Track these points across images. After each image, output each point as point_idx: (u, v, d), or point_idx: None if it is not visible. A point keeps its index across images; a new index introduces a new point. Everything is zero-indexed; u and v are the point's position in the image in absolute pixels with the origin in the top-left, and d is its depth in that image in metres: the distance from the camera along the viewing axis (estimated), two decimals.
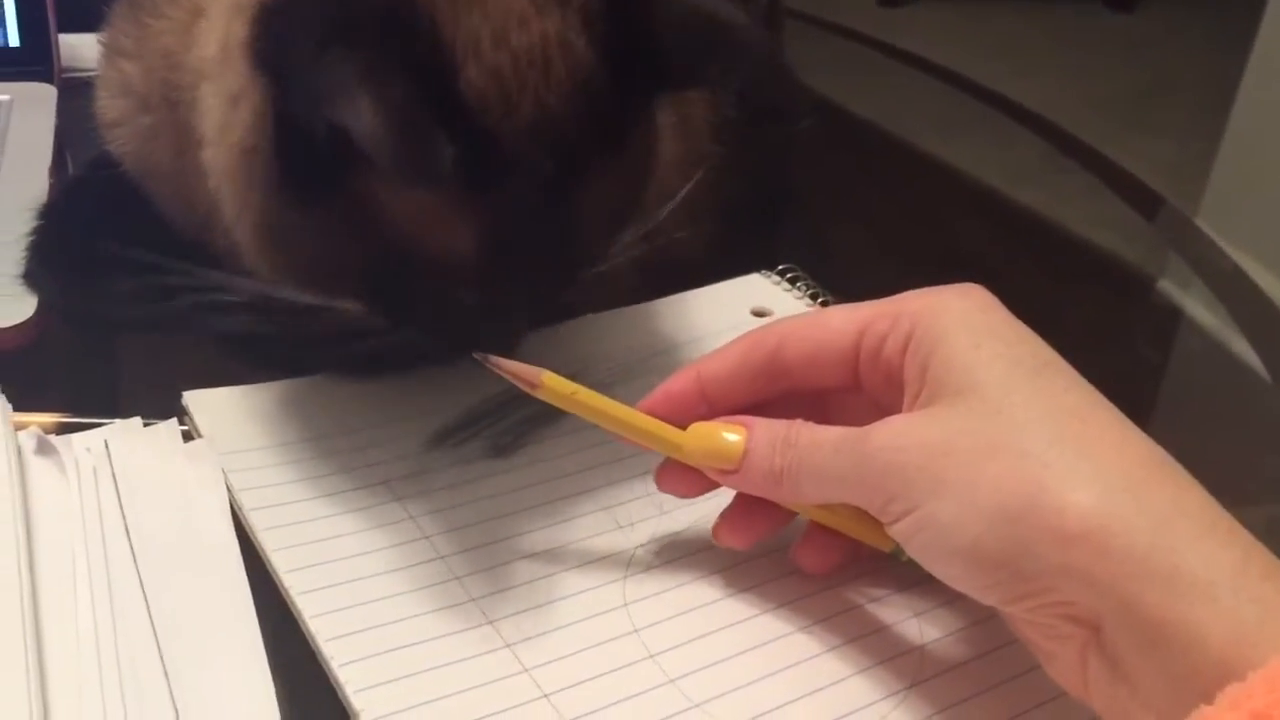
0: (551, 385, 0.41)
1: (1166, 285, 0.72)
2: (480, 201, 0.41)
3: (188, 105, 0.49)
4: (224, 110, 0.45)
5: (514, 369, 0.41)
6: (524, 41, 0.41)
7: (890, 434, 0.37)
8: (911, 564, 0.40)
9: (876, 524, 0.40)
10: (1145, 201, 0.77)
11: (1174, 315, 0.68)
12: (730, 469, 0.41)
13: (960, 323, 0.38)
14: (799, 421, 0.40)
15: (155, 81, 0.52)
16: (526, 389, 0.41)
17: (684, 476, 0.42)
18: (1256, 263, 0.69)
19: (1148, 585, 0.32)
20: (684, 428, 0.42)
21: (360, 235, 0.42)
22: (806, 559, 0.43)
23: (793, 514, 0.43)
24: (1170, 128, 2.24)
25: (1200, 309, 0.67)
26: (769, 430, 0.40)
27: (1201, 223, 0.77)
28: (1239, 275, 0.68)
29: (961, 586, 0.37)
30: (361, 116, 0.36)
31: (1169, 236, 0.76)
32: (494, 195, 0.41)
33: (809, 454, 0.39)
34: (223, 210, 0.47)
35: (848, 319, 0.41)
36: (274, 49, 0.40)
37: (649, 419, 0.42)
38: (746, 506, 0.43)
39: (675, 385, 0.43)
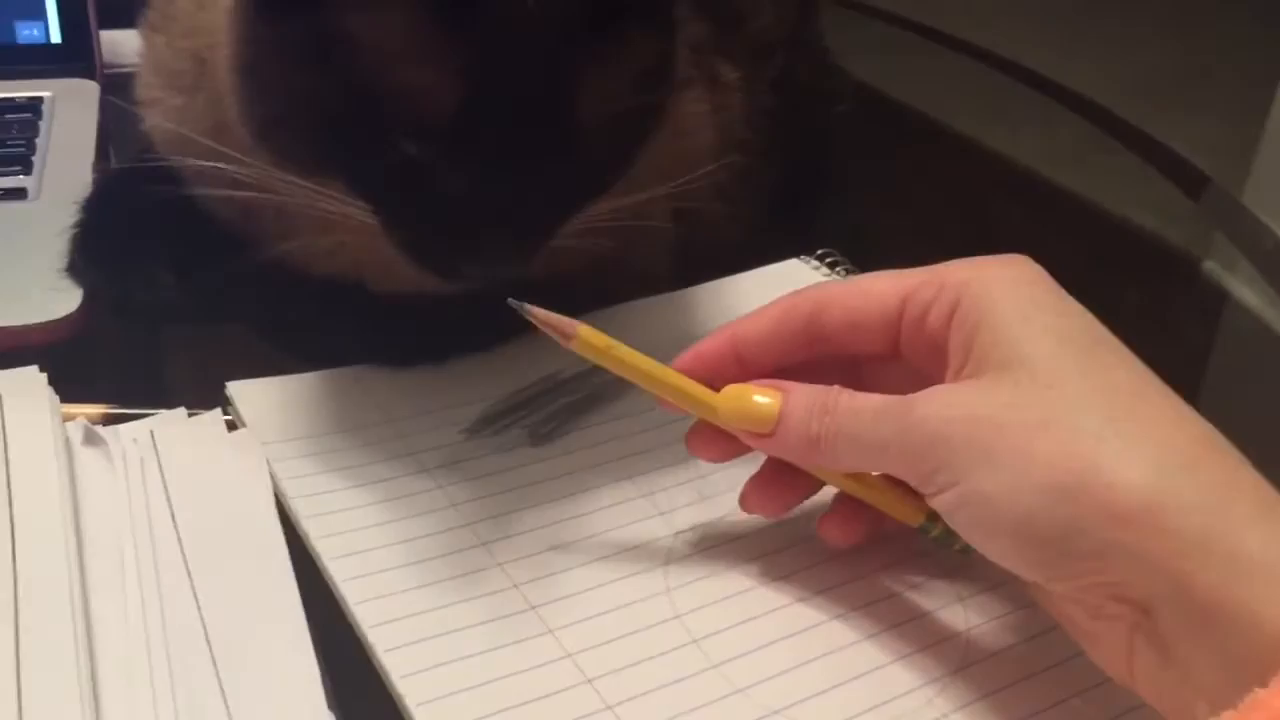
0: (586, 337, 0.40)
1: (1212, 266, 0.71)
2: (460, 38, 0.40)
3: (217, 68, 0.49)
4: (225, 8, 0.45)
5: (548, 319, 0.40)
6: None
7: (937, 403, 0.37)
8: (941, 539, 0.40)
9: (907, 497, 0.40)
10: (1190, 181, 0.76)
11: (1220, 297, 0.67)
12: (765, 432, 0.40)
13: (1009, 294, 0.38)
14: (837, 387, 0.39)
15: (180, 51, 0.52)
16: (560, 340, 0.40)
17: (715, 440, 0.42)
18: None
19: (1203, 565, 0.32)
20: (716, 389, 0.41)
21: (334, 67, 0.41)
22: (832, 531, 0.42)
23: (821, 483, 0.42)
24: (1217, 106, 2.20)
25: (1246, 290, 0.66)
26: (806, 395, 0.39)
27: (1248, 202, 0.76)
28: None
29: (1007, 563, 0.36)
30: None
31: (1215, 217, 0.75)
32: (477, 30, 0.40)
33: (848, 420, 0.38)
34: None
35: (891, 286, 0.40)
36: None
37: (683, 378, 0.41)
38: (775, 474, 0.42)
39: (708, 345, 0.42)
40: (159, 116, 0.55)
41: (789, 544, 0.44)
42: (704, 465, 0.47)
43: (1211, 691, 0.32)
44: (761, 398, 0.40)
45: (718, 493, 0.46)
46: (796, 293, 0.42)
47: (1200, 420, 0.35)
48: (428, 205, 0.43)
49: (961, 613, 0.42)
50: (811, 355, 0.42)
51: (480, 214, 0.43)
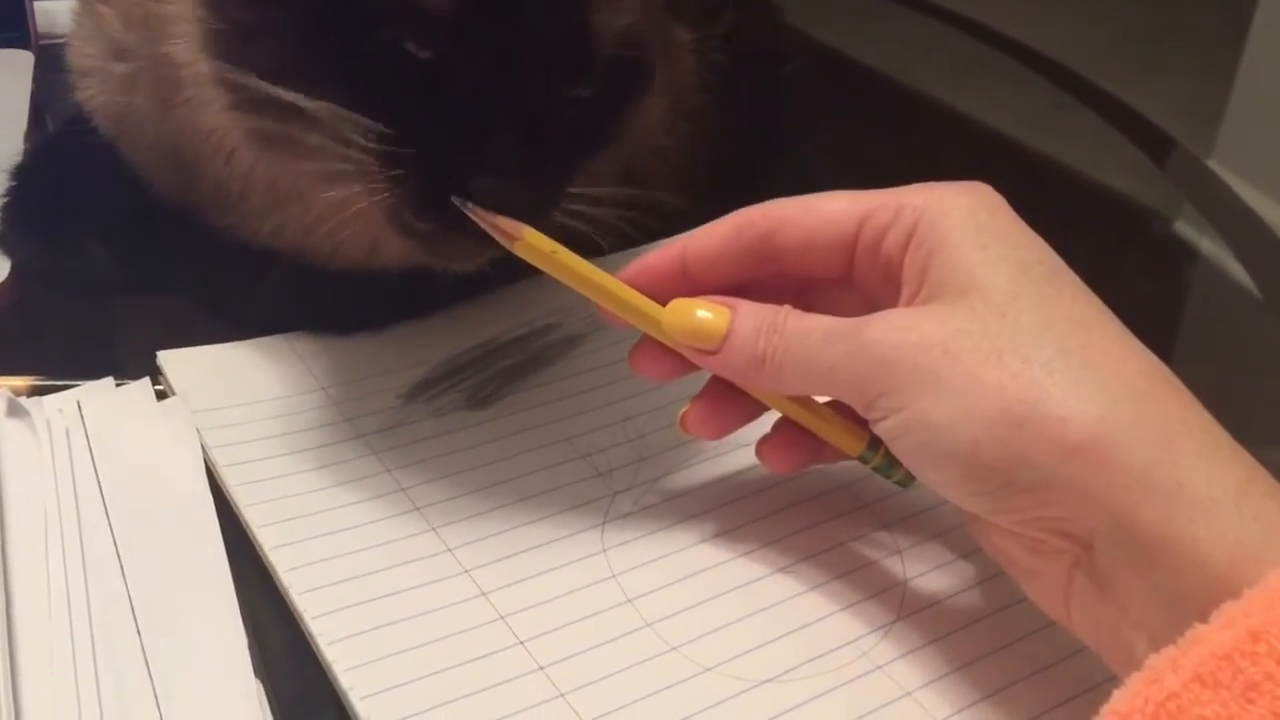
0: (532, 240, 0.39)
1: (1181, 227, 0.71)
2: None
3: (174, 54, 0.47)
4: None
5: (495, 220, 0.39)
6: None
7: (888, 327, 0.36)
8: (882, 469, 0.39)
9: (849, 425, 0.39)
10: (1156, 146, 0.75)
11: (1188, 256, 0.67)
12: (711, 349, 0.39)
13: (967, 222, 0.37)
14: (787, 307, 0.38)
15: (135, 24, 0.50)
16: (505, 241, 0.39)
17: (659, 357, 0.41)
18: (1273, 202, 0.67)
19: (1147, 500, 0.31)
20: (663, 304, 0.40)
21: None
22: (771, 455, 0.42)
23: (763, 408, 0.41)
24: (1184, 68, 2.20)
25: (1214, 249, 0.66)
26: (755, 313, 0.38)
27: (1216, 163, 0.75)
28: (1252, 219, 0.66)
29: (949, 493, 0.36)
30: None
31: (1181, 182, 0.75)
32: None
33: (797, 340, 0.37)
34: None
35: (848, 208, 0.39)
36: None
37: (629, 289, 0.40)
38: (718, 395, 0.41)
39: (656, 259, 0.40)
40: (96, 86, 0.54)
41: (727, 501, 0.43)
42: (642, 425, 0.46)
43: (1151, 627, 0.32)
44: (707, 313, 0.39)
45: (655, 453, 0.45)
46: (750, 209, 0.40)
47: (1152, 356, 0.35)
48: (433, 112, 0.40)
49: (900, 564, 0.41)
50: (762, 274, 0.40)
51: (490, 113, 0.40)
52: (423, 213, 0.41)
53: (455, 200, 0.39)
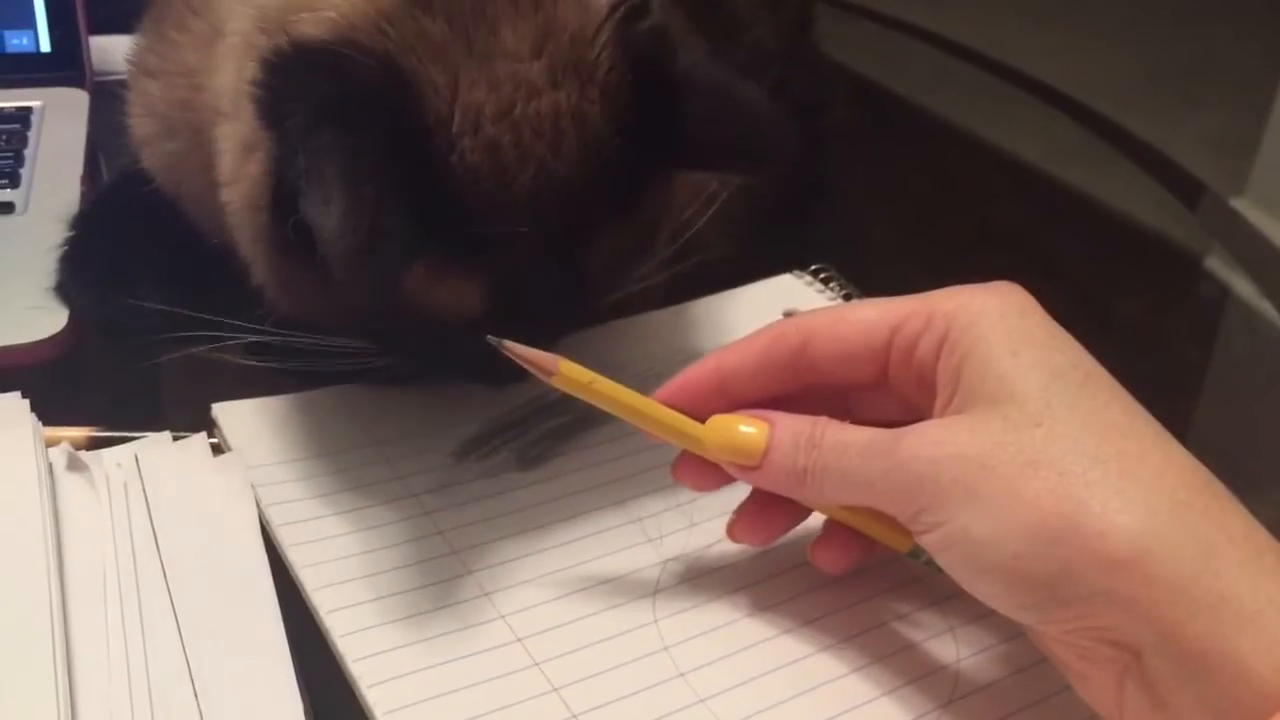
0: (568, 373, 0.40)
1: (1213, 264, 0.70)
2: (484, 263, 0.42)
3: (209, 135, 0.49)
4: (237, 156, 0.45)
5: (530, 355, 0.40)
6: (531, 113, 0.41)
7: (924, 442, 0.36)
8: (931, 565, 0.39)
9: (895, 524, 0.39)
10: (1186, 189, 0.75)
11: (1222, 295, 0.66)
12: (751, 465, 0.39)
13: (997, 326, 0.37)
14: (824, 419, 0.39)
15: (176, 102, 0.51)
16: (542, 376, 0.40)
17: (702, 469, 0.41)
18: None
19: (1191, 614, 0.31)
20: (701, 420, 0.41)
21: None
22: (823, 557, 0.42)
23: (809, 510, 0.42)
24: (1216, 104, 2.19)
25: (1248, 289, 0.65)
26: (793, 427, 0.39)
27: (1248, 200, 0.75)
28: None
29: (995, 604, 0.36)
30: (329, 215, 0.37)
31: (1211, 225, 0.74)
32: (498, 257, 0.42)
33: (835, 456, 0.38)
34: (240, 249, 0.47)
35: (880, 316, 0.39)
36: (274, 109, 0.41)
37: (668, 411, 0.41)
38: (763, 503, 0.42)
39: (693, 376, 0.41)
40: (155, 157, 0.55)
41: (778, 572, 0.43)
42: (692, 491, 0.46)
43: None
44: (747, 428, 0.40)
45: (707, 518, 0.45)
46: (782, 322, 0.41)
47: (1191, 460, 0.35)
48: (458, 351, 0.45)
49: (952, 644, 0.41)
50: (798, 385, 0.41)
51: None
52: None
53: (490, 340, 0.40)
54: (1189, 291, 0.68)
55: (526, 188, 0.41)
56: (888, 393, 0.40)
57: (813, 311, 0.41)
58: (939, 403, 0.38)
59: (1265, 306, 0.63)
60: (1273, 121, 1.80)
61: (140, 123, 0.55)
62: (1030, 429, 0.35)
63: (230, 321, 0.46)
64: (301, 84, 0.40)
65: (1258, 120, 1.81)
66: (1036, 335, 0.37)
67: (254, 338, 0.46)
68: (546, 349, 0.40)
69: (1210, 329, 0.66)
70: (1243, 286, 0.66)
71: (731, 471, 0.40)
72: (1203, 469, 0.34)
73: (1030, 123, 0.84)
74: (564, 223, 0.42)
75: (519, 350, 0.40)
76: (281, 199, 0.42)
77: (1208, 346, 0.64)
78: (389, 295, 0.40)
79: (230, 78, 0.46)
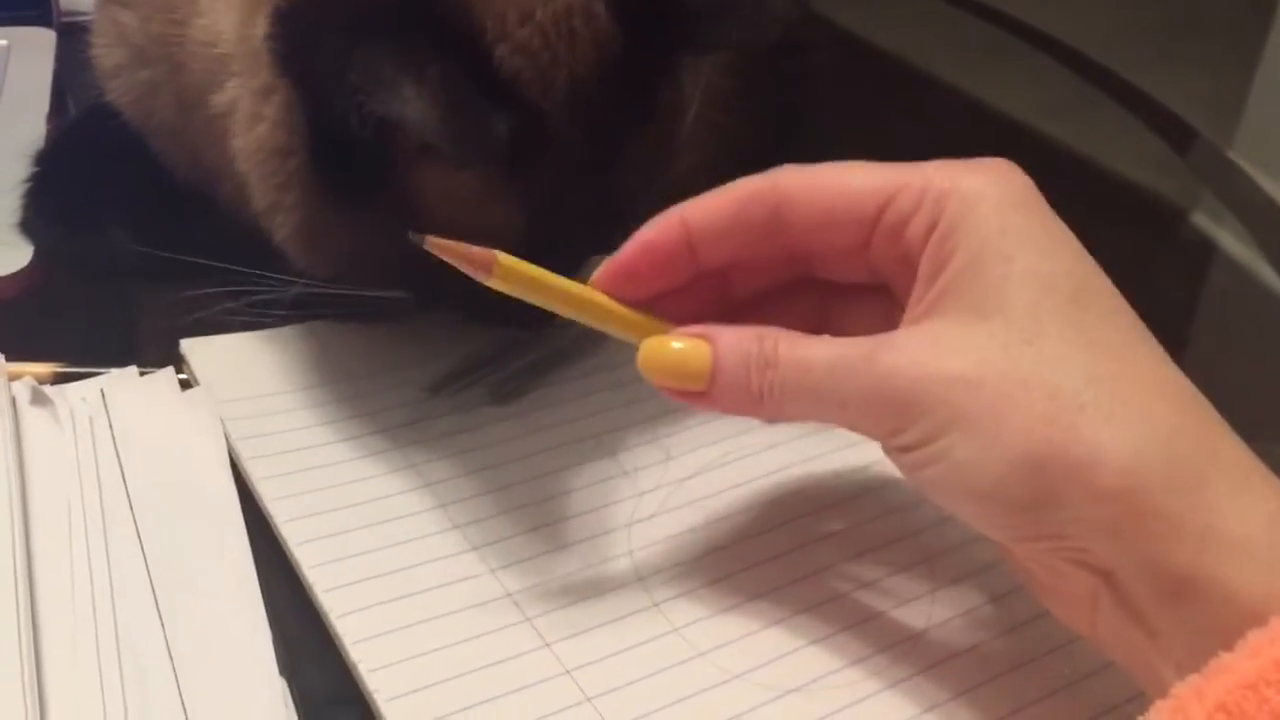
0: (507, 264, 0.36)
1: (1199, 218, 0.70)
2: (524, 180, 0.41)
3: (192, 69, 0.48)
4: (253, 103, 0.44)
5: (462, 251, 0.36)
6: (549, 14, 0.40)
7: (905, 361, 0.34)
8: None
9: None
10: (1178, 134, 0.74)
11: (1207, 249, 0.66)
12: (698, 389, 0.36)
13: (992, 221, 0.34)
14: (769, 331, 0.36)
15: (153, 34, 0.50)
16: (479, 275, 0.36)
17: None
18: None
19: (1178, 544, 0.31)
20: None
21: (403, 230, 0.38)
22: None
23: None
24: (1206, 59, 2.18)
25: (1233, 242, 0.65)
26: (738, 346, 0.36)
27: (1236, 154, 0.75)
28: (1273, 209, 0.66)
29: (972, 523, 0.35)
30: (409, 104, 0.36)
31: (1201, 171, 0.74)
32: (538, 172, 0.41)
33: (796, 375, 0.35)
34: (250, 196, 0.46)
35: (869, 190, 0.36)
36: (298, 54, 0.40)
37: (615, 305, 0.37)
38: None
39: (656, 235, 0.37)
40: (123, 88, 0.53)
41: (755, 504, 0.43)
42: (669, 424, 0.46)
43: (1178, 655, 0.31)
44: (679, 344, 0.36)
45: (683, 451, 0.45)
46: (757, 180, 0.37)
47: (1183, 380, 0.33)
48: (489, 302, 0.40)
49: (929, 571, 0.41)
50: (765, 248, 0.38)
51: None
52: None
53: (412, 237, 0.35)
54: (1175, 245, 0.67)
55: (563, 91, 0.40)
56: (859, 260, 0.37)
57: (789, 170, 0.37)
58: (917, 289, 0.36)
59: (1255, 258, 0.62)
60: (1260, 77, 1.80)
61: (108, 53, 0.53)
62: (1021, 346, 0.33)
63: (240, 270, 0.45)
64: (324, 20, 0.40)
65: (1246, 76, 1.80)
66: (1034, 236, 0.35)
67: (267, 293, 0.45)
68: (574, 276, 0.38)
69: (1198, 283, 0.65)
70: (1230, 240, 0.65)
71: (680, 400, 0.37)
72: (1194, 390, 0.33)
73: (1019, 71, 0.83)
74: (594, 131, 0.41)
75: (447, 245, 0.35)
76: (315, 141, 0.42)
77: (1194, 300, 0.63)
78: (489, 150, 0.37)
79: (229, 29, 0.45)
